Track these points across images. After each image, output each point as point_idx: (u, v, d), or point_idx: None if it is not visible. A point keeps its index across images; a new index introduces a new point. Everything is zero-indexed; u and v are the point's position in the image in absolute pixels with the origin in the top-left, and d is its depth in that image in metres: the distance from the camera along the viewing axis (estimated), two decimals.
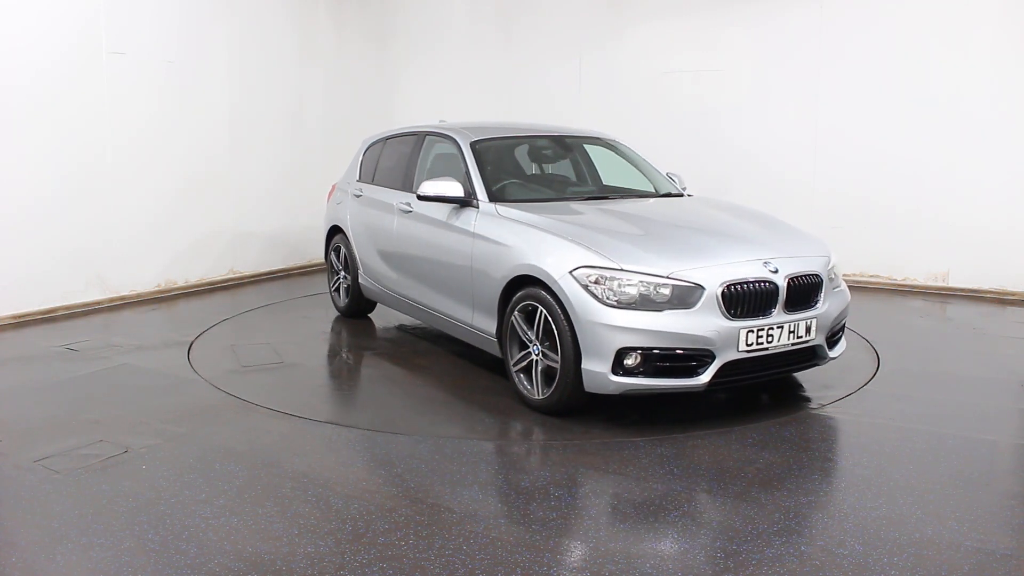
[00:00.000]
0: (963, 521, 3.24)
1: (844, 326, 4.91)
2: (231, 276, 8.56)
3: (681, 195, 5.80)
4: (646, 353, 4.11)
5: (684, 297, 4.13)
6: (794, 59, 8.42)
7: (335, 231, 7.01)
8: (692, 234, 4.76)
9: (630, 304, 4.13)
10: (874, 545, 3.05)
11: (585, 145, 6.24)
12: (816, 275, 4.49)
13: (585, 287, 4.20)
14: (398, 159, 6.38)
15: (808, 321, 4.40)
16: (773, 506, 3.39)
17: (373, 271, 6.36)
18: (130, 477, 3.67)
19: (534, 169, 6.15)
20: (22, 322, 6.61)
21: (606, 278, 4.17)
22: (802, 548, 3.03)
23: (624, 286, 4.14)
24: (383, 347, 6.15)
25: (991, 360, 5.66)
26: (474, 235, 5.01)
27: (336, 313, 7.08)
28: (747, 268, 4.28)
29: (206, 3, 8.08)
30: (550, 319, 4.34)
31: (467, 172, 5.38)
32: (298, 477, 3.67)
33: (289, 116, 9.23)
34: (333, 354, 6.09)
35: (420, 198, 5.29)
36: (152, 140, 7.62)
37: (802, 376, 5.00)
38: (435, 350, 5.90)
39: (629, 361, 4.12)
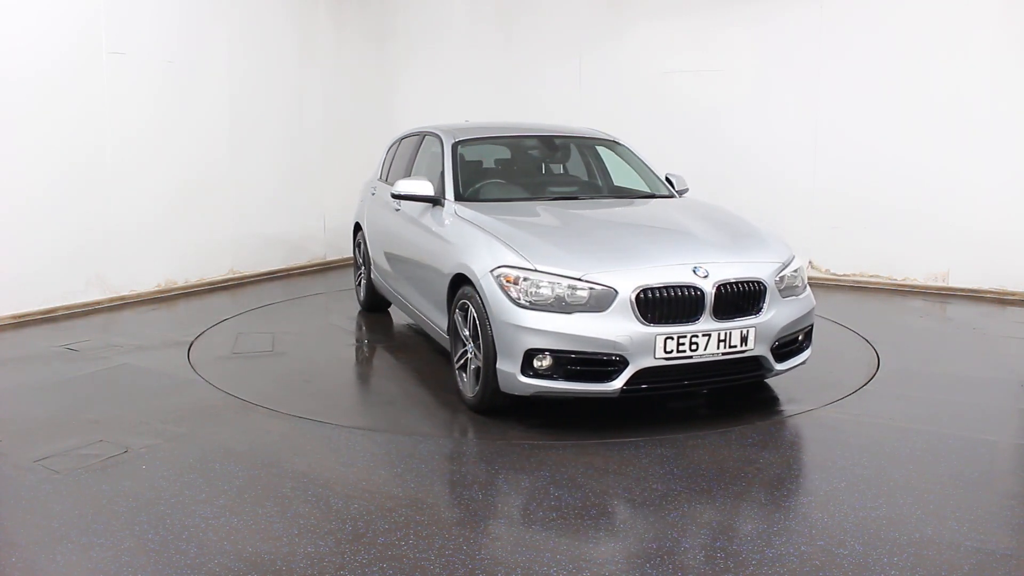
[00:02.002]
0: (963, 521, 3.24)
1: (807, 335, 4.68)
2: (231, 276, 8.56)
3: (672, 196, 5.72)
4: (557, 356, 4.06)
5: (600, 300, 4.06)
6: (794, 59, 8.42)
7: (357, 228, 7.23)
8: (633, 237, 4.63)
9: (545, 305, 4.09)
10: (874, 545, 3.05)
11: (581, 145, 6.23)
12: (758, 282, 4.27)
13: (502, 287, 4.19)
14: (403, 158, 6.54)
15: (744, 330, 4.18)
16: (773, 506, 3.39)
17: (379, 267, 6.52)
18: (130, 477, 3.67)
19: (521, 169, 6.14)
20: (22, 322, 6.61)
21: (522, 278, 4.15)
22: (802, 548, 3.03)
23: (538, 287, 4.11)
24: (383, 341, 6.16)
25: (991, 360, 5.66)
26: (435, 234, 5.11)
27: (360, 308, 7.25)
28: (672, 272, 4.14)
29: (206, 3, 8.08)
30: (476, 318, 4.36)
31: (442, 171, 5.49)
32: (298, 477, 3.67)
33: (289, 116, 9.23)
34: (326, 346, 6.12)
35: (393, 196, 5.45)
36: (152, 140, 7.62)
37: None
38: (428, 345, 5.90)
39: (539, 363, 4.08)
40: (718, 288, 4.14)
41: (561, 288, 4.08)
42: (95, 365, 5.45)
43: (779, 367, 4.41)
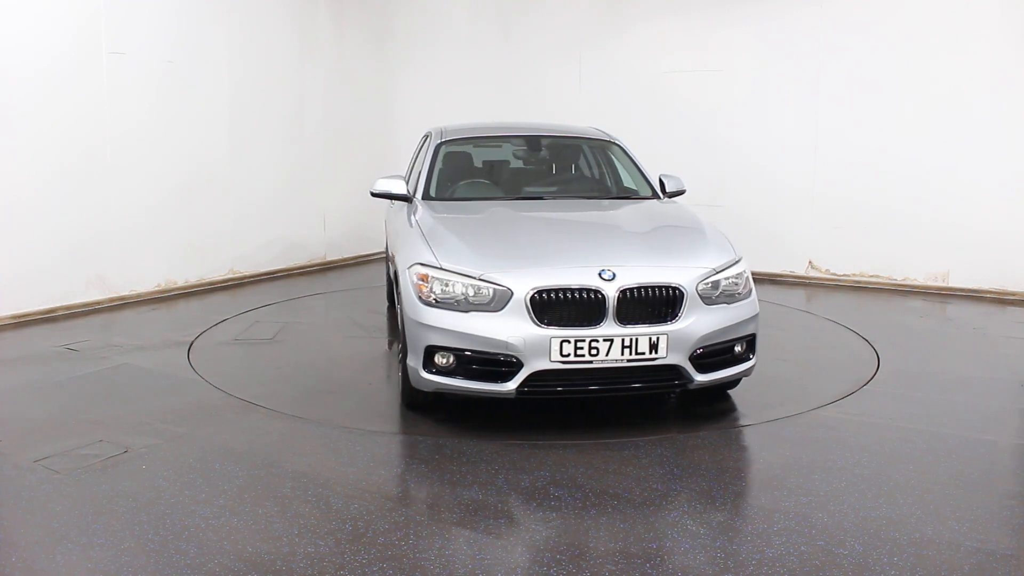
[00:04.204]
0: (963, 521, 3.24)
1: (749, 344, 4.37)
2: (231, 276, 8.56)
3: (656, 197, 5.57)
4: (458, 354, 4.07)
5: (499, 300, 4.02)
6: (794, 59, 8.42)
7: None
8: (555, 238, 4.57)
9: (451, 303, 4.10)
10: (874, 545, 3.05)
11: (573, 145, 6.21)
12: (673, 288, 4.06)
13: (414, 284, 4.25)
14: (415, 156, 6.72)
15: (654, 337, 3.99)
16: (773, 506, 3.39)
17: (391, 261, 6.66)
18: (130, 477, 3.67)
19: (503, 168, 6.12)
20: (22, 322, 6.60)
21: (431, 276, 4.19)
22: (802, 548, 3.03)
23: (444, 284, 4.14)
24: (390, 337, 6.16)
25: (991, 360, 5.66)
26: (395, 230, 5.28)
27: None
28: (574, 274, 4.04)
29: (206, 3, 8.08)
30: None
31: (420, 170, 5.64)
32: (298, 477, 3.67)
33: (289, 115, 9.23)
34: (326, 339, 6.16)
35: (372, 194, 5.55)
36: (152, 140, 7.62)
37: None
38: None
39: (440, 360, 4.11)
40: (622, 292, 3.99)
41: (464, 287, 4.09)
42: (95, 365, 5.45)
43: (700, 378, 4.13)
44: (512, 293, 4.00)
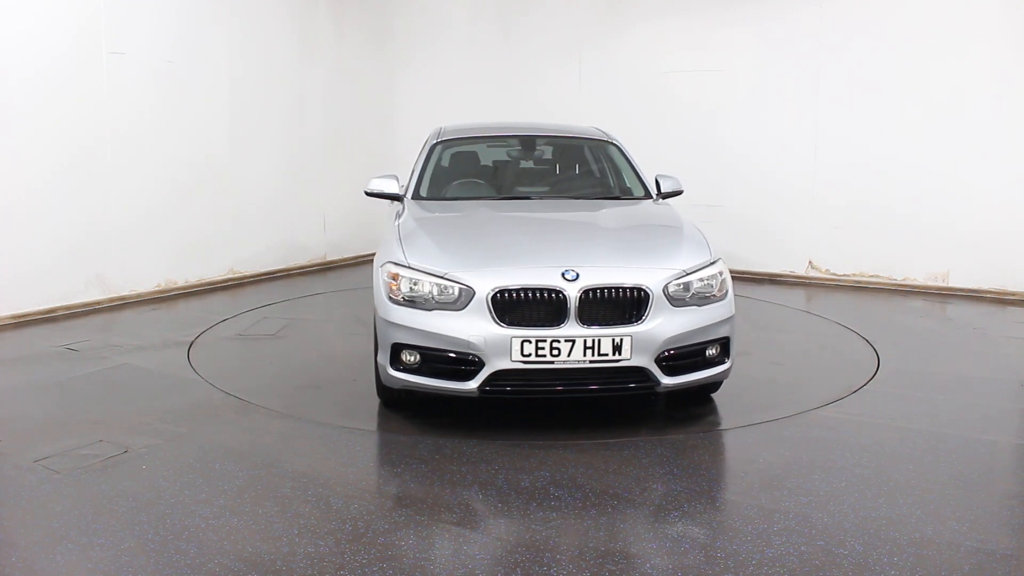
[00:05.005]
0: (963, 521, 3.24)
1: (723, 347, 4.28)
2: (231, 276, 8.56)
3: (648, 198, 5.50)
4: (423, 352, 4.09)
5: (462, 299, 4.03)
6: (794, 59, 8.43)
7: None
8: (527, 238, 4.56)
9: (420, 302, 4.11)
10: (874, 545, 3.05)
11: (569, 145, 6.19)
12: (639, 289, 4.00)
13: (385, 282, 4.27)
14: None
15: (618, 338, 3.95)
16: (773, 506, 3.39)
17: None
18: (130, 477, 3.67)
19: (496, 168, 6.11)
20: (22, 322, 6.60)
21: (400, 275, 4.21)
22: (802, 548, 3.03)
23: (412, 283, 4.16)
24: None
25: (991, 360, 5.66)
26: (385, 230, 5.26)
27: None
28: (537, 274, 4.01)
29: (206, 3, 8.08)
30: None
31: (414, 169, 5.65)
32: (298, 477, 3.67)
33: (289, 115, 9.23)
34: (327, 335, 6.20)
35: (366, 193, 5.55)
36: (152, 140, 7.61)
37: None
38: None
39: (407, 358, 4.13)
40: (584, 293, 3.95)
41: (431, 285, 4.10)
42: (95, 365, 5.45)
43: (667, 381, 4.06)
44: (475, 292, 4.01)
